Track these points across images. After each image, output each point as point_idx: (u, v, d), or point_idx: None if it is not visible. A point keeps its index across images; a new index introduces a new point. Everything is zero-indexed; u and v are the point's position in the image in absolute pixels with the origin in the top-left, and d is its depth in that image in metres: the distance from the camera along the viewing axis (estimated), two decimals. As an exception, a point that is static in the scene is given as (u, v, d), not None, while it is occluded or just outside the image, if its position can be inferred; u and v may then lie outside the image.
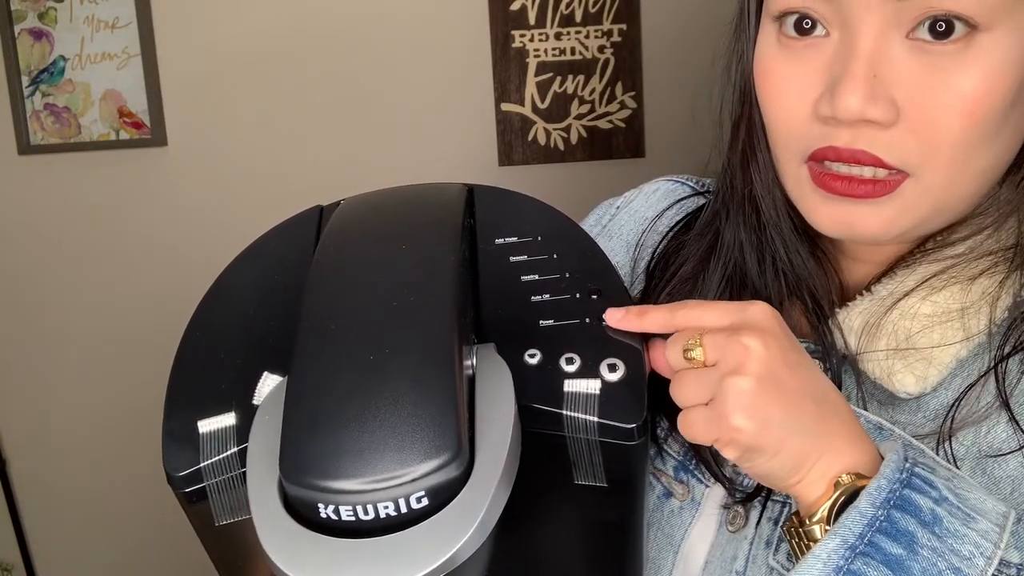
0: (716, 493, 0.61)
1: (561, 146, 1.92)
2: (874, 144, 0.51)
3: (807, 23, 0.52)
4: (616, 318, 0.50)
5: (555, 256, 0.55)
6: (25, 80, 1.89)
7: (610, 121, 1.92)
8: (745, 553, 0.58)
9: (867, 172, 0.51)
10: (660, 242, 0.69)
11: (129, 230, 1.96)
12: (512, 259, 0.55)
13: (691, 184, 0.74)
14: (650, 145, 1.92)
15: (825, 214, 0.54)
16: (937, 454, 0.53)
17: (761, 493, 0.58)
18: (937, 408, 0.54)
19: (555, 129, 1.92)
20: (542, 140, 1.92)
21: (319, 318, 0.47)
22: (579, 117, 1.92)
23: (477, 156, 1.93)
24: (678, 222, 0.70)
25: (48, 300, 1.99)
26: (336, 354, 0.45)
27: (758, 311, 0.48)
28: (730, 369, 0.46)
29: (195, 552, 2.08)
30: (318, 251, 0.51)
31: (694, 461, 0.62)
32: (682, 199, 0.72)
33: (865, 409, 0.56)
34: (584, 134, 1.92)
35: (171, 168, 1.94)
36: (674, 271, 0.65)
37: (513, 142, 1.92)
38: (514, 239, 0.56)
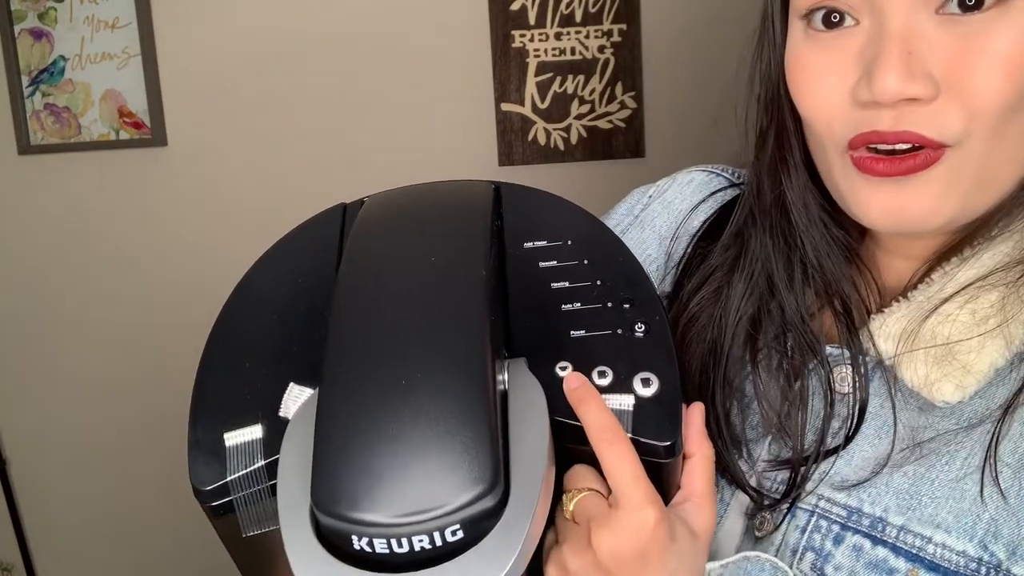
0: (745, 496, 0.61)
1: (561, 146, 1.92)
2: (918, 122, 0.50)
3: (835, 16, 0.52)
4: (572, 386, 0.50)
5: (586, 262, 0.53)
6: (25, 80, 1.89)
7: (610, 121, 1.92)
8: None
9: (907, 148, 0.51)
10: (688, 245, 0.68)
11: (129, 230, 1.96)
12: (542, 264, 0.53)
13: (727, 175, 0.72)
14: (650, 145, 1.92)
15: (875, 203, 0.53)
16: (984, 461, 0.53)
17: (787, 499, 0.58)
18: (971, 415, 0.54)
19: (555, 129, 1.92)
20: (542, 140, 1.92)
21: (348, 338, 0.45)
22: (579, 117, 1.92)
23: (477, 156, 1.93)
24: (709, 223, 0.69)
25: (48, 300, 1.99)
26: (367, 379, 0.44)
27: (636, 519, 0.48)
28: (572, 540, 0.49)
29: (194, 552, 2.07)
30: (344, 261, 0.50)
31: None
32: (717, 191, 0.71)
33: (904, 414, 0.56)
34: (584, 134, 1.92)
35: (171, 168, 1.94)
36: (699, 282, 0.65)
37: (513, 142, 1.92)
38: (543, 243, 0.54)
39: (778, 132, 0.60)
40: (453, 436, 0.41)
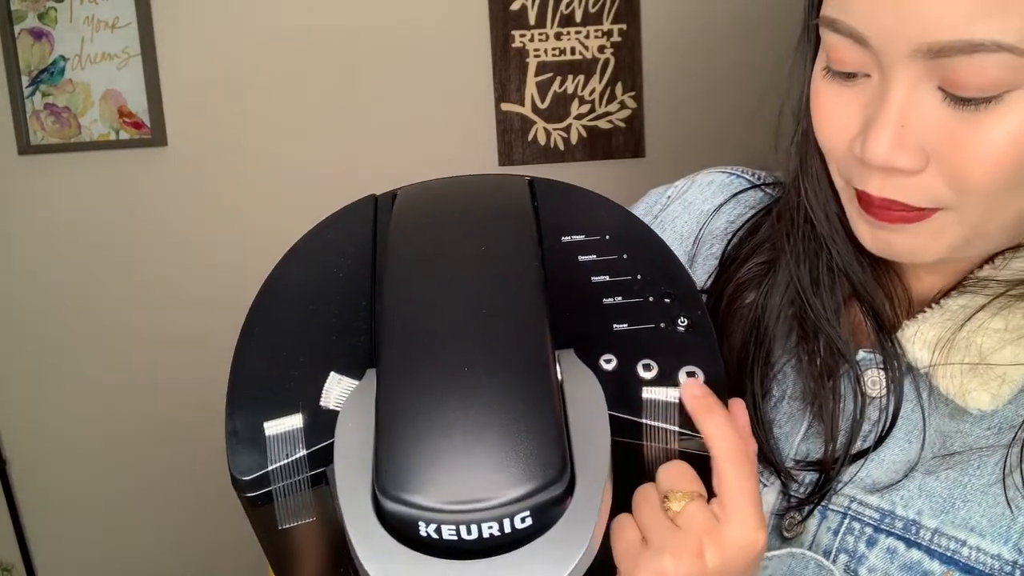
0: (771, 495, 0.61)
1: (561, 146, 1.92)
2: (902, 191, 0.51)
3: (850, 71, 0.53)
4: (695, 393, 0.49)
5: (625, 257, 0.53)
6: (25, 80, 1.89)
7: (610, 121, 1.92)
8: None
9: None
10: (737, 231, 0.68)
11: (129, 230, 1.96)
12: (581, 259, 0.53)
13: (747, 177, 0.72)
14: (650, 145, 1.93)
15: (867, 235, 0.55)
16: (1006, 472, 0.53)
17: (817, 496, 0.58)
18: (1001, 422, 0.55)
19: (555, 129, 1.92)
20: (542, 140, 1.92)
21: (406, 323, 0.45)
22: (579, 117, 1.92)
23: (477, 156, 1.94)
24: (749, 218, 0.69)
25: (47, 300, 1.98)
26: (429, 365, 0.43)
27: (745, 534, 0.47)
28: (676, 547, 0.47)
29: (195, 552, 2.07)
30: (391, 249, 0.50)
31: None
32: (739, 193, 0.71)
33: (933, 418, 0.56)
34: (584, 134, 1.92)
35: (171, 168, 1.94)
36: (748, 254, 0.65)
37: (513, 142, 1.92)
38: (581, 237, 0.54)
39: (802, 140, 0.60)
40: (520, 421, 0.41)
